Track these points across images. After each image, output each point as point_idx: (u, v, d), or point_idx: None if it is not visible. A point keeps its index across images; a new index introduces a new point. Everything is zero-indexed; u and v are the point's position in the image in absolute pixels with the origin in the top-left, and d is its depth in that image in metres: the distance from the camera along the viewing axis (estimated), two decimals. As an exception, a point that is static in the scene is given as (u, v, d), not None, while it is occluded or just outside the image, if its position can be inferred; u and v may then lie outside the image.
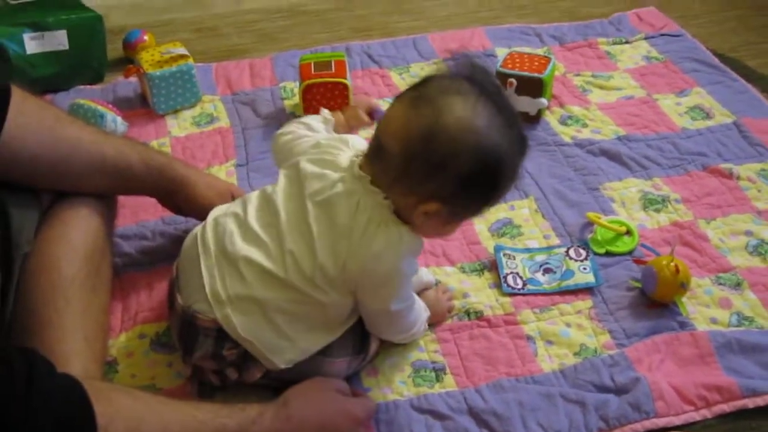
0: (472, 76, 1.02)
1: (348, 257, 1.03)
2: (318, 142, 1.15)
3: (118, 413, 0.86)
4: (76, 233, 1.16)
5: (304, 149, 1.15)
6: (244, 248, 1.06)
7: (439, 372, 1.20)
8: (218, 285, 1.06)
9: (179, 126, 1.73)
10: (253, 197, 1.13)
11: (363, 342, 1.16)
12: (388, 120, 1.04)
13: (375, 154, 1.04)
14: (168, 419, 0.93)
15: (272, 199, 1.09)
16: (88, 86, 1.87)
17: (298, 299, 1.06)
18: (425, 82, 1.04)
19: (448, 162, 0.98)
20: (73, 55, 1.84)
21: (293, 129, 1.23)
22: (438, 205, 1.01)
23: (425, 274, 1.32)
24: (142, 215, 1.46)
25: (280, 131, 1.24)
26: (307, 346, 1.09)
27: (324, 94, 1.66)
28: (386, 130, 1.03)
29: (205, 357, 1.10)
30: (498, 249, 1.39)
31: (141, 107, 1.79)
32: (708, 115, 1.73)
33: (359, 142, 1.14)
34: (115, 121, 1.63)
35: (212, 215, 1.14)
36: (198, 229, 1.14)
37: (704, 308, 1.29)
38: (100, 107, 1.62)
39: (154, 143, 1.66)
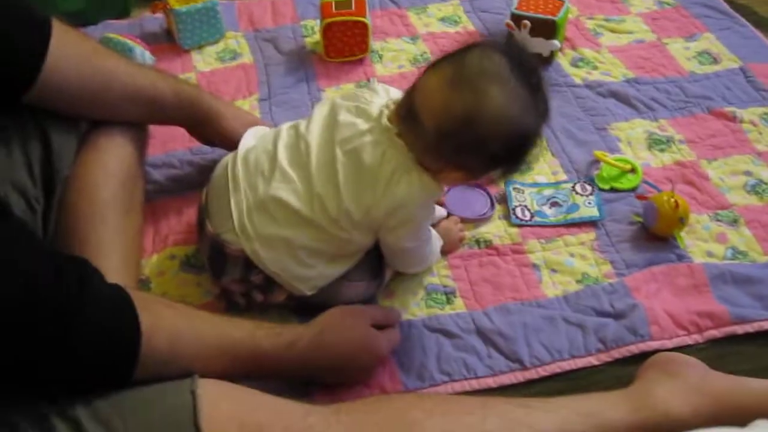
0: (509, 52, 1.04)
1: (372, 204, 1.09)
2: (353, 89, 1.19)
3: (160, 324, 0.91)
4: (111, 159, 1.23)
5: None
6: (273, 189, 1.12)
7: (449, 295, 1.28)
8: (246, 221, 1.13)
9: (204, 61, 1.79)
10: (284, 133, 1.17)
11: (379, 267, 1.24)
12: (424, 92, 1.05)
13: (406, 117, 1.07)
14: (205, 334, 0.97)
15: (305, 139, 1.14)
16: (116, 21, 1.92)
17: (323, 237, 1.13)
18: (463, 58, 1.04)
19: (480, 145, 1.03)
20: (101, -11, 1.89)
21: None
22: (463, 173, 1.09)
23: (437, 208, 1.39)
24: (170, 145, 1.53)
25: None
26: (329, 273, 1.17)
27: (344, 32, 1.71)
28: (422, 103, 1.05)
29: (233, 281, 1.19)
30: (508, 183, 1.45)
31: (167, 42, 1.84)
32: (715, 60, 1.78)
33: (394, 92, 1.18)
34: (144, 55, 1.69)
35: (243, 147, 1.20)
36: (228, 160, 1.20)
37: (701, 242, 1.36)
38: (128, 41, 1.68)
39: (181, 77, 1.71)
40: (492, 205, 1.41)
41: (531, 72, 1.05)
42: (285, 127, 1.20)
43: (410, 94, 1.07)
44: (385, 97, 1.15)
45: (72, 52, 1.15)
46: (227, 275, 1.19)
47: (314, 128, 1.15)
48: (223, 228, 1.15)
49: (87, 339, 0.83)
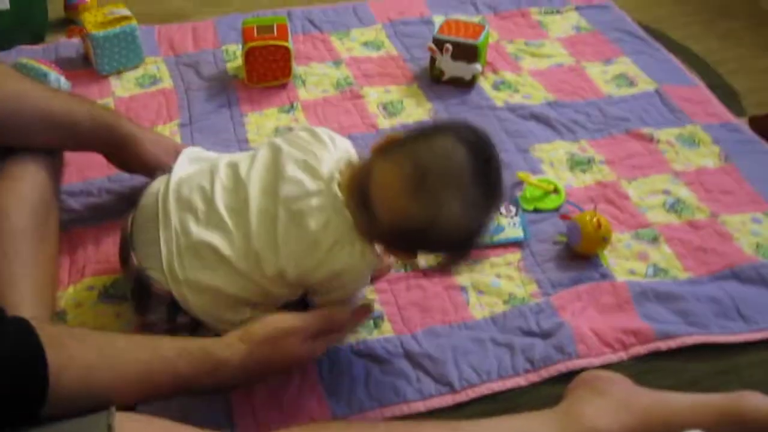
0: (470, 143, 1.02)
1: (309, 269, 1.07)
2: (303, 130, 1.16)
3: (70, 360, 0.87)
4: (24, 187, 1.19)
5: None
6: (207, 234, 1.08)
7: (377, 319, 1.27)
8: (176, 263, 1.08)
9: (123, 86, 1.75)
10: (222, 171, 1.13)
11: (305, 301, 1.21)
12: (382, 187, 1.02)
13: (359, 202, 1.04)
14: (121, 366, 0.93)
15: (245, 185, 1.09)
16: (30, 46, 1.87)
17: (253, 289, 1.10)
18: (427, 153, 1.01)
19: (434, 244, 1.08)
20: (14, 14, 1.84)
21: None
22: (407, 256, 1.15)
23: None
24: (88, 173, 1.49)
25: None
26: (256, 314, 1.13)
27: (266, 56, 1.70)
28: (378, 199, 1.02)
29: (158, 321, 1.14)
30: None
31: (83, 68, 1.80)
32: (632, 83, 1.83)
33: (340, 142, 1.15)
34: (59, 80, 1.64)
35: (176, 174, 1.15)
36: (160, 189, 1.14)
37: (624, 260, 1.39)
38: (43, 66, 1.64)
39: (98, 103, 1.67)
40: None
41: (492, 167, 1.04)
42: (222, 164, 1.14)
43: (366, 178, 1.04)
44: (333, 150, 1.12)
45: None
46: (152, 314, 1.14)
47: (255, 176, 1.10)
48: (150, 264, 1.11)
49: None
